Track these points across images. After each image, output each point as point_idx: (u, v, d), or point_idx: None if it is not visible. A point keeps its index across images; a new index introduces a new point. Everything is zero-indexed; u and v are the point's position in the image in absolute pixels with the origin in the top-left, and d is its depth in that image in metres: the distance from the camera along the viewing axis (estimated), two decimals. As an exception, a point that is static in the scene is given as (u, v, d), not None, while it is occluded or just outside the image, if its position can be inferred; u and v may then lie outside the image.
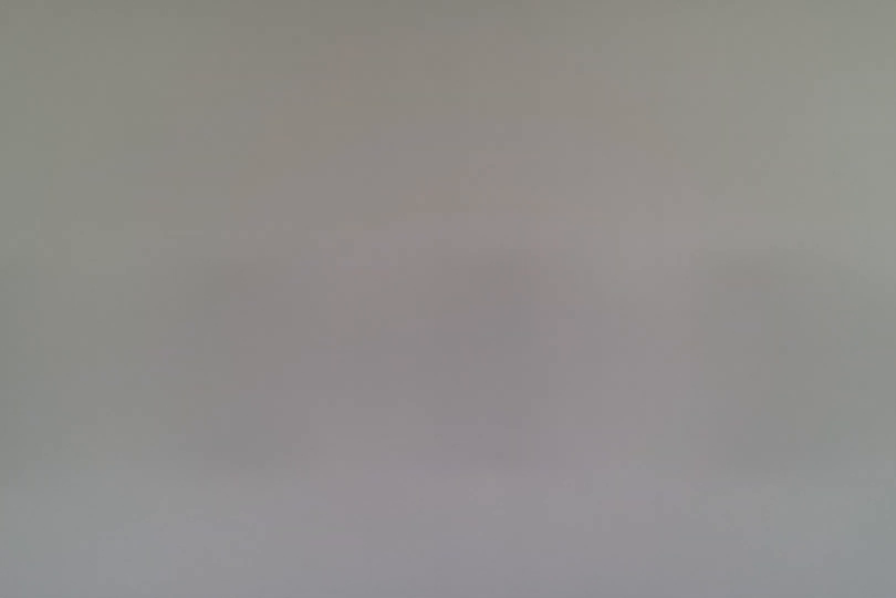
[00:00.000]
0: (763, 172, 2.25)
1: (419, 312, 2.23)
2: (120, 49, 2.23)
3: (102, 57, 2.23)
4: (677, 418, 2.23)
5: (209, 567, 2.21)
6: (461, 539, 2.23)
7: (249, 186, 2.23)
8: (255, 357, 2.21)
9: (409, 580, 2.22)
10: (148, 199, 2.22)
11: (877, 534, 2.24)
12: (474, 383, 2.22)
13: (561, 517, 2.23)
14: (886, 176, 2.26)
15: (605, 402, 2.23)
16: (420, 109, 2.25)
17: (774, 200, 2.25)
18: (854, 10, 2.27)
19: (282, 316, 2.22)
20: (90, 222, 2.21)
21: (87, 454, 2.19)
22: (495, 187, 2.25)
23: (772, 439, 2.23)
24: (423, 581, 2.22)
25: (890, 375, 2.24)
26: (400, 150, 2.24)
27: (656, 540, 2.23)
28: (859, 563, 2.24)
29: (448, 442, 2.22)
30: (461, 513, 2.23)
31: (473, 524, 2.23)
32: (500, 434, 2.22)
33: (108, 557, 2.20)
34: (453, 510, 2.23)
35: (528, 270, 2.24)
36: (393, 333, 2.23)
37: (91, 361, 2.20)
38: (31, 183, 2.21)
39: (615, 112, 2.25)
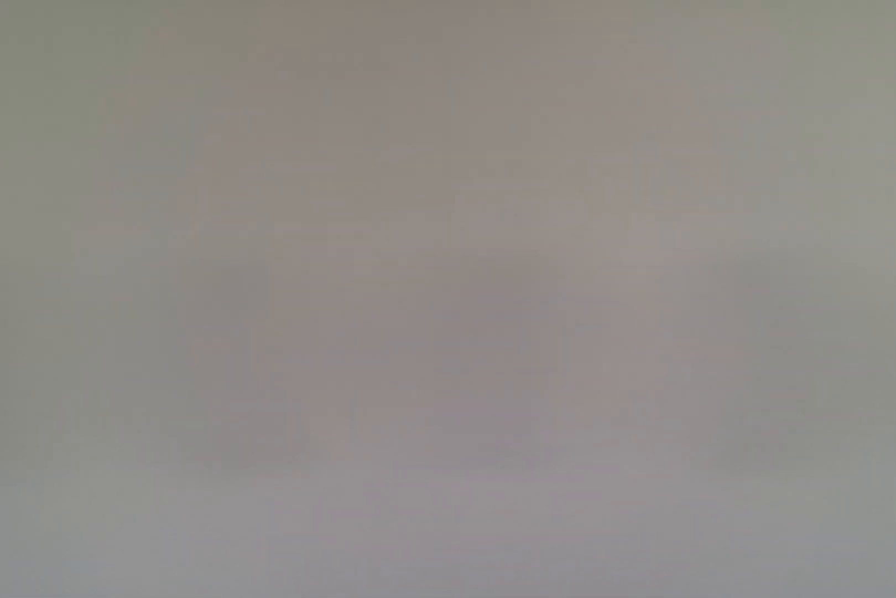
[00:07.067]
0: (764, 171, 2.25)
1: (419, 312, 2.23)
2: (117, 49, 2.22)
3: (100, 56, 2.22)
4: (678, 418, 2.23)
5: (210, 567, 2.21)
6: (463, 539, 2.23)
7: (249, 187, 2.23)
8: (255, 357, 2.21)
9: (412, 580, 2.22)
10: (147, 199, 2.21)
11: (876, 532, 2.24)
12: (475, 383, 2.22)
13: (562, 516, 2.23)
14: (888, 175, 2.26)
15: (606, 401, 2.23)
16: (419, 109, 2.25)
17: (775, 199, 2.25)
18: (857, 9, 2.26)
19: (283, 317, 2.22)
20: (89, 223, 2.21)
21: (87, 454, 2.19)
22: (495, 187, 2.24)
23: (772, 438, 2.23)
24: (425, 581, 2.22)
25: (890, 374, 2.23)
26: (398, 149, 2.24)
27: (657, 539, 2.23)
28: (859, 561, 2.23)
29: (449, 442, 2.22)
30: (462, 513, 2.23)
31: (475, 524, 2.23)
32: (501, 434, 2.22)
33: (108, 557, 2.20)
34: (454, 510, 2.23)
35: (528, 270, 2.24)
36: (393, 333, 2.23)
37: (91, 361, 2.20)
38: (29, 183, 2.21)
39: (616, 112, 2.25)
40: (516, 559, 2.23)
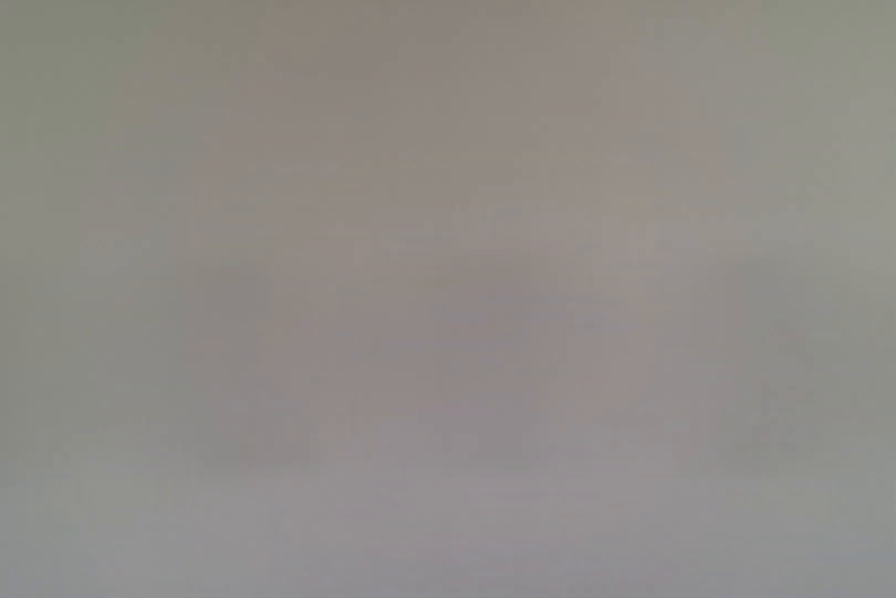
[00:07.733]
0: (764, 172, 2.25)
1: (419, 312, 2.23)
2: (117, 49, 2.23)
3: (100, 56, 2.23)
4: (679, 418, 2.23)
5: (210, 567, 2.21)
6: (463, 539, 2.22)
7: (249, 187, 2.23)
8: (255, 357, 2.21)
9: (411, 580, 2.22)
10: (148, 199, 2.22)
11: (876, 532, 2.24)
12: (476, 383, 2.22)
13: (563, 516, 2.22)
14: (888, 175, 2.26)
15: (606, 402, 2.22)
16: (419, 110, 2.25)
17: (775, 199, 2.25)
18: (857, 9, 2.27)
19: (283, 317, 2.22)
20: (89, 224, 2.21)
21: (87, 454, 2.19)
22: (495, 188, 2.24)
23: (772, 438, 2.23)
24: (425, 581, 2.22)
25: (890, 374, 2.23)
26: (399, 150, 2.24)
27: (657, 539, 2.23)
28: (859, 561, 2.23)
29: (449, 442, 2.22)
30: (463, 513, 2.23)
31: (475, 524, 2.23)
32: (501, 434, 2.22)
33: (108, 557, 2.20)
34: (455, 510, 2.23)
35: (529, 271, 2.24)
36: (393, 333, 2.22)
37: (91, 361, 2.20)
38: (30, 184, 2.21)
39: (616, 113, 2.25)
40: (516, 559, 2.23)
